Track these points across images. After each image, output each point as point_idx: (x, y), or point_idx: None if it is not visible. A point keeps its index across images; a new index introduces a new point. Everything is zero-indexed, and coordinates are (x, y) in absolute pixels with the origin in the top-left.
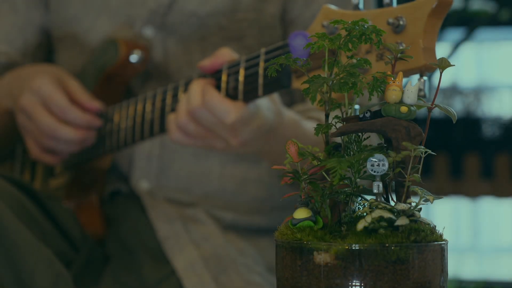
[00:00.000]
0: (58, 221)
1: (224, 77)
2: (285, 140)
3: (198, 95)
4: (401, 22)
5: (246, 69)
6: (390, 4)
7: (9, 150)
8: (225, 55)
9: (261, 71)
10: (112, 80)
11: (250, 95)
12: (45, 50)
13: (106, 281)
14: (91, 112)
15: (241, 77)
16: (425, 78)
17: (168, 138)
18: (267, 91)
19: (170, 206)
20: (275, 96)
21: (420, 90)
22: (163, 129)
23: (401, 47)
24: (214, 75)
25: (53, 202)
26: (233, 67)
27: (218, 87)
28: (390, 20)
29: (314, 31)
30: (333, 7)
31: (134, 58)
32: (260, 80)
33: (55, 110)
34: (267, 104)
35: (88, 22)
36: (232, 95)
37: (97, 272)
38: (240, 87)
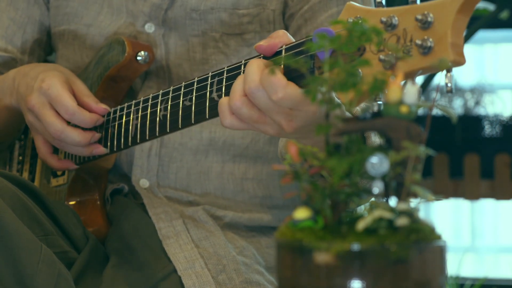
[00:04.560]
0: (60, 221)
1: (282, 60)
2: None
3: (256, 74)
4: (429, 19)
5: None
6: (415, 1)
7: (7, 146)
8: (283, 37)
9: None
10: (116, 79)
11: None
12: (44, 47)
13: (107, 281)
14: (96, 114)
15: None
16: (452, 74)
17: (222, 124)
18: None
19: (171, 205)
20: None
21: (447, 85)
22: (175, 127)
23: (429, 43)
24: (270, 58)
25: (55, 202)
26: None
27: None
28: (418, 17)
29: (338, 28)
30: (357, 4)
31: (140, 58)
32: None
33: (63, 112)
34: None
35: (89, 17)
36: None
37: (99, 272)
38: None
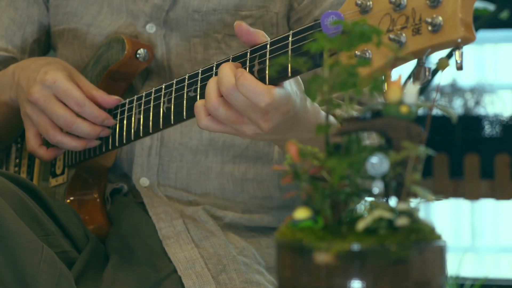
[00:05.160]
0: (61, 221)
1: (252, 59)
2: (308, 127)
3: (230, 76)
4: None
5: (272, 51)
6: None
7: (6, 144)
8: (260, 37)
9: (290, 52)
10: (116, 77)
11: (278, 76)
12: (44, 47)
13: (107, 280)
14: (106, 113)
15: (268, 59)
16: (462, 50)
17: (198, 125)
18: (297, 71)
19: (171, 204)
20: (300, 82)
21: (457, 62)
22: (179, 119)
23: (438, 21)
24: (241, 57)
25: (55, 201)
26: (261, 50)
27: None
28: None
29: (347, 11)
30: None
31: (140, 55)
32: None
33: (72, 104)
34: (295, 89)
35: (89, 17)
36: (260, 77)
37: (99, 272)
38: (267, 69)
